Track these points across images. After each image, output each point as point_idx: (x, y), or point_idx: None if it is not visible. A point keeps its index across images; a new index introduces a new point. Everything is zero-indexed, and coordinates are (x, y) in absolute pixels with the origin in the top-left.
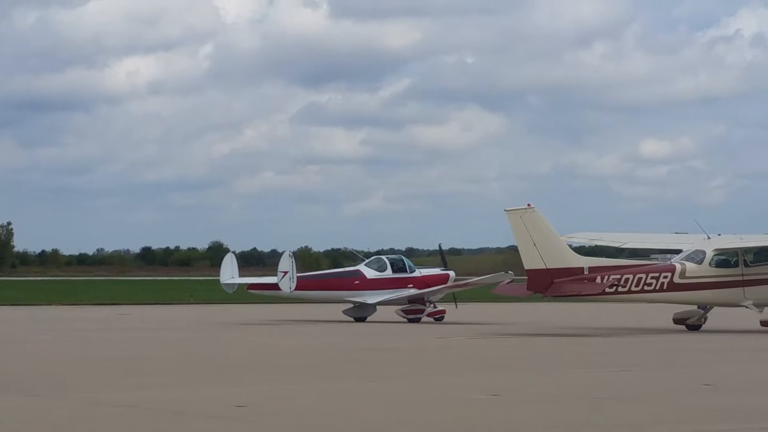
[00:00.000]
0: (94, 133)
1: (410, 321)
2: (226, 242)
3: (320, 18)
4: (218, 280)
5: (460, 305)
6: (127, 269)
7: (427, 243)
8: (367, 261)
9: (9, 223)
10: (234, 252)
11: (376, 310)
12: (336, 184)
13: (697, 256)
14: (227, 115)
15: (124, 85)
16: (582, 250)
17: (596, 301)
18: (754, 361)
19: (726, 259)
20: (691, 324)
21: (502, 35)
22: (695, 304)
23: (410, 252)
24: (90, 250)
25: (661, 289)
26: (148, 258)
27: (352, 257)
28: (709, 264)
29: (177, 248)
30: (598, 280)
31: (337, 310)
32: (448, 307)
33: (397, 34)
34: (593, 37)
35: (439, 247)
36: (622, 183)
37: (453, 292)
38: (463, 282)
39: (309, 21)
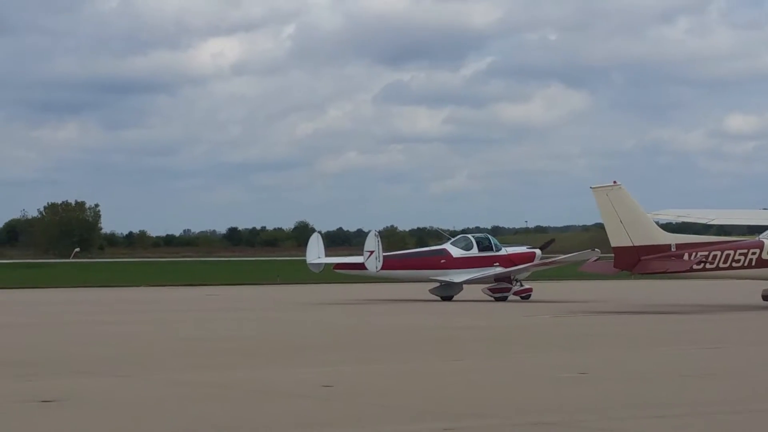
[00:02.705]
0: (178, 114)
1: (497, 299)
2: (312, 222)
3: None
4: (304, 260)
5: (545, 284)
6: (213, 250)
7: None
8: (452, 240)
9: (96, 205)
10: (320, 232)
11: (462, 288)
12: (420, 163)
13: None
14: (310, 95)
15: (207, 66)
16: (669, 227)
17: (684, 278)
18: None
19: None
20: None
21: (585, 11)
22: None
23: (496, 230)
24: (177, 232)
25: (750, 266)
26: (235, 238)
27: (438, 236)
28: None
29: (263, 228)
30: (686, 257)
31: (423, 290)
32: (536, 285)
33: (479, 12)
34: (677, 12)
35: (550, 241)
36: (708, 159)
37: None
38: (550, 260)
39: (391, 0)
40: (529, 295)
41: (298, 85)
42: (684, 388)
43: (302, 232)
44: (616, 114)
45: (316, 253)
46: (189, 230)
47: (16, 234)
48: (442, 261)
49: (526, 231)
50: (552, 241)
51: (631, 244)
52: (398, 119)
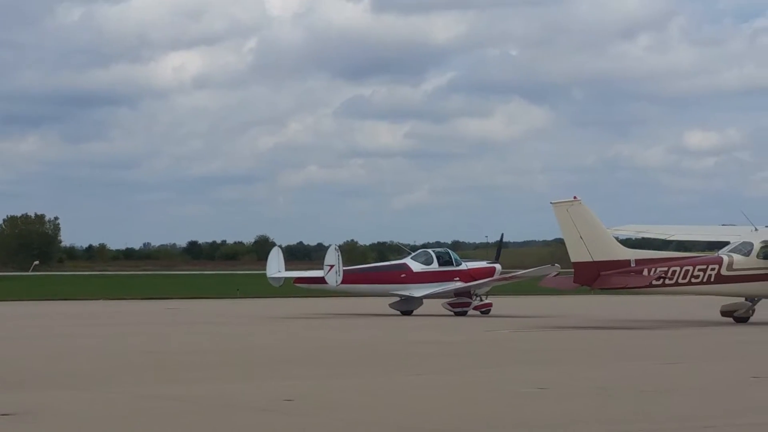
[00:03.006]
0: (139, 127)
1: (457, 314)
2: (272, 236)
3: (364, 11)
4: (265, 274)
5: (505, 299)
6: (173, 263)
7: (474, 236)
8: (413, 254)
9: (56, 218)
10: (280, 246)
11: (422, 303)
12: (381, 177)
13: (745, 248)
14: (272, 109)
15: (169, 79)
16: (628, 243)
17: (644, 294)
18: None
19: None
20: (739, 316)
21: (546, 28)
22: (743, 297)
23: (456, 245)
24: (137, 245)
25: (709, 281)
26: (195, 252)
27: (399, 250)
28: (757, 256)
29: (223, 242)
30: (645, 272)
31: (383, 304)
32: (496, 300)
33: (440, 27)
34: (637, 28)
35: (501, 237)
36: (669, 175)
37: (502, 283)
38: (510, 275)
39: (353, 14)
40: (489, 310)
41: (259, 99)
42: (643, 403)
43: (262, 246)
44: (577, 130)
45: (276, 267)
46: (149, 244)
47: None
48: (403, 275)
49: (486, 246)
50: (501, 238)
51: (590, 260)
52: (359, 134)
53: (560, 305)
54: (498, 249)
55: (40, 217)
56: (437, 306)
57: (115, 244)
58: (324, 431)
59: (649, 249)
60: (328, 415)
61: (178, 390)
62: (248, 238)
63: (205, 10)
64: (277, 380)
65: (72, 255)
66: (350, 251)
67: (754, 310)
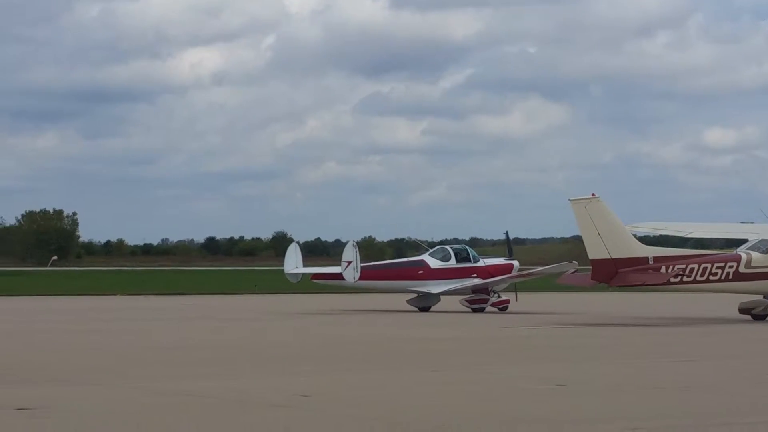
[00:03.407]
0: (158, 123)
1: (474, 311)
2: (290, 232)
3: (382, 8)
4: (282, 270)
5: (522, 296)
6: (191, 259)
7: (491, 233)
8: (431, 251)
9: (74, 214)
10: (298, 242)
11: (440, 299)
12: (399, 174)
13: (763, 246)
14: (290, 105)
15: (187, 75)
16: (646, 240)
17: (661, 291)
18: None
19: None
20: (757, 314)
21: (564, 25)
22: (761, 294)
23: (474, 242)
24: (155, 241)
25: (727, 279)
26: (213, 248)
27: (416, 247)
28: None
29: (241, 238)
30: (663, 269)
31: (401, 300)
32: (512, 297)
33: (458, 24)
34: (656, 26)
35: (506, 235)
36: (687, 172)
37: (514, 283)
38: (528, 272)
39: (371, 11)
40: (507, 307)
41: (277, 96)
42: (660, 400)
43: (280, 242)
44: (595, 127)
45: (293, 263)
46: (167, 239)
47: None
48: (420, 272)
49: (503, 243)
50: (508, 237)
51: (608, 257)
52: (377, 130)
53: (578, 302)
54: (508, 246)
55: (58, 213)
56: (455, 302)
57: (133, 239)
58: (340, 427)
59: (667, 246)
60: (344, 411)
61: (193, 385)
62: (266, 234)
63: (223, 6)
64: (293, 376)
65: (90, 250)
66: (368, 247)
67: None
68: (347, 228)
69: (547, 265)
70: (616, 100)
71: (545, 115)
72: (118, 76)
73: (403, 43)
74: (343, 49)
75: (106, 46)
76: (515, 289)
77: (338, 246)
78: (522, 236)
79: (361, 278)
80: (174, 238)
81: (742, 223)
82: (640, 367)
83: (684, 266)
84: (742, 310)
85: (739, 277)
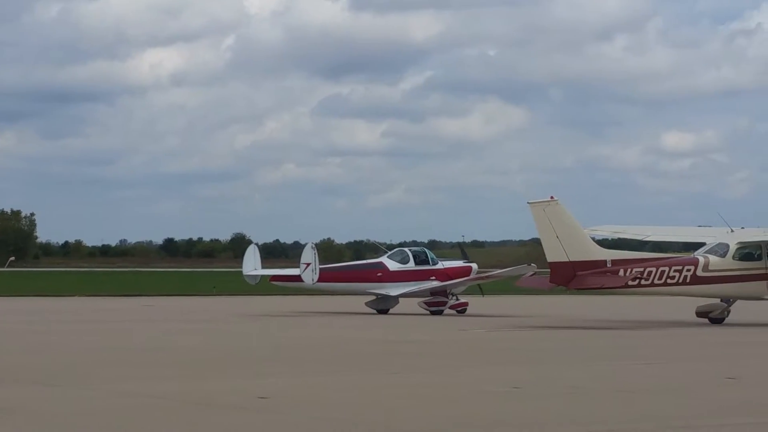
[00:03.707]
0: (117, 124)
1: (433, 313)
2: (249, 234)
3: (342, 10)
4: (241, 272)
5: (481, 299)
6: (149, 261)
7: (450, 235)
8: (389, 253)
9: (32, 214)
10: (256, 244)
11: (398, 302)
12: (358, 176)
13: (721, 249)
14: (249, 107)
15: (147, 76)
16: (605, 243)
17: (619, 294)
18: None
19: (749, 252)
20: (714, 317)
21: (524, 28)
22: (718, 298)
23: (433, 244)
24: (113, 242)
25: (684, 282)
26: (171, 249)
27: (375, 249)
28: (733, 257)
29: (200, 240)
30: (621, 272)
31: (359, 302)
32: (472, 299)
33: (418, 27)
34: (615, 30)
35: (461, 240)
36: (645, 176)
37: (479, 282)
38: (486, 274)
39: (331, 13)
40: (465, 309)
41: (237, 97)
42: (619, 403)
43: (239, 244)
44: (555, 130)
45: (252, 264)
46: (125, 240)
47: None
48: (379, 274)
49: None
50: (462, 243)
51: (567, 260)
52: (337, 132)
53: (536, 305)
54: (462, 250)
55: (16, 213)
56: (413, 305)
57: (92, 240)
58: (299, 429)
59: (625, 249)
60: (304, 413)
61: (153, 387)
62: (225, 236)
63: (183, 7)
64: (252, 378)
65: (48, 251)
66: (327, 249)
67: (729, 311)
68: (306, 230)
69: (506, 267)
70: (575, 104)
71: (505, 118)
72: (78, 77)
73: (363, 45)
74: (303, 50)
75: (65, 46)
76: (480, 287)
77: (297, 248)
78: (481, 239)
79: (319, 280)
80: (132, 239)
81: (700, 226)
82: (599, 369)
83: (642, 269)
84: (700, 314)
85: (696, 280)
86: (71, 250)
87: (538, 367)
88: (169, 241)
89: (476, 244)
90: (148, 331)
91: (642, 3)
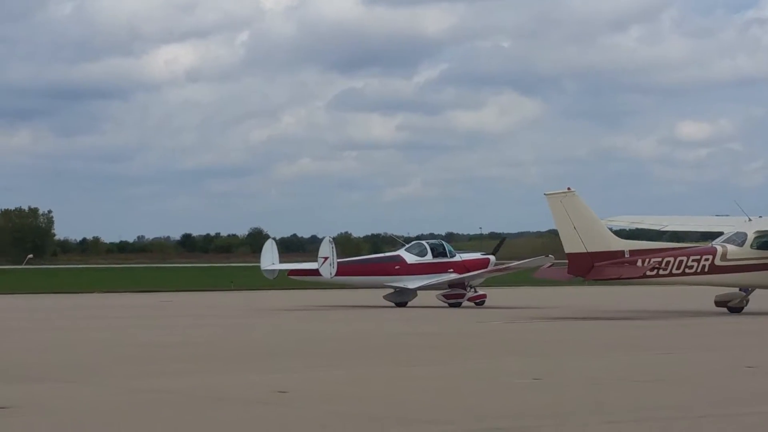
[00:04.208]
0: (132, 120)
1: (451, 306)
2: (266, 228)
3: (356, 4)
4: (259, 267)
5: (499, 290)
6: (167, 256)
7: (467, 227)
8: (407, 246)
9: (50, 211)
10: (274, 238)
11: (416, 295)
12: (374, 170)
13: (739, 239)
14: (265, 101)
15: (161, 72)
16: (622, 234)
17: (637, 285)
18: None
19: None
20: (733, 306)
21: (538, 19)
22: (737, 287)
23: (450, 237)
24: (130, 238)
25: (703, 272)
26: (189, 245)
27: (392, 242)
28: (751, 246)
29: (217, 235)
30: (639, 263)
31: (377, 296)
32: (490, 291)
33: (432, 20)
34: (629, 20)
35: (502, 240)
36: (661, 166)
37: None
38: (504, 266)
39: (345, 7)
40: (483, 302)
41: (252, 92)
42: (637, 393)
43: (256, 239)
44: (570, 121)
45: (270, 259)
46: (143, 237)
47: None
48: (397, 267)
49: (480, 237)
50: (503, 240)
51: (584, 251)
52: (352, 126)
53: (554, 296)
54: (497, 247)
55: (33, 211)
56: (432, 298)
57: (109, 237)
58: (317, 423)
59: (642, 240)
60: (322, 407)
61: (171, 383)
62: (242, 231)
63: (197, 2)
64: (270, 373)
65: (66, 248)
66: (344, 243)
67: (748, 301)
68: (323, 224)
69: (523, 259)
70: (589, 95)
71: (519, 110)
72: (92, 74)
73: (377, 39)
74: (317, 45)
75: (79, 43)
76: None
77: (314, 242)
78: (498, 230)
79: (337, 274)
80: (150, 235)
81: (717, 216)
82: (618, 360)
83: (660, 259)
84: (718, 303)
85: (714, 269)
86: (89, 247)
87: (557, 359)
88: (187, 237)
89: (494, 236)
90: (165, 327)
91: None
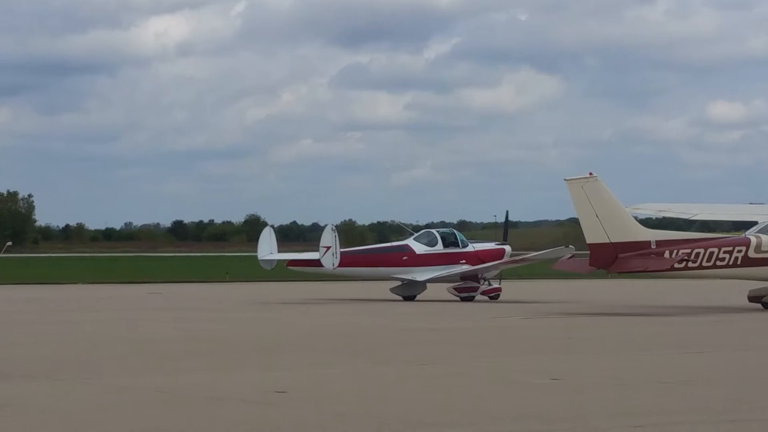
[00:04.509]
0: (119, 97)
1: (463, 300)
2: (264, 215)
3: None
4: (255, 256)
5: (515, 283)
6: (157, 245)
7: (481, 215)
8: (416, 235)
9: (30, 196)
10: (272, 226)
11: (426, 287)
12: (380, 152)
13: None
14: (262, 78)
15: (151, 46)
16: (648, 223)
17: (665, 278)
18: None
19: None
20: None
21: None
22: None
23: (462, 225)
24: (117, 225)
25: (735, 264)
26: (180, 233)
27: (400, 231)
28: None
29: (211, 222)
30: (667, 254)
31: (384, 288)
32: (505, 284)
33: None
34: None
35: (506, 216)
36: (691, 149)
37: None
38: (521, 257)
39: None
40: (498, 295)
41: (248, 67)
42: (662, 395)
43: (253, 226)
44: (592, 101)
45: (268, 248)
46: (130, 223)
47: None
48: (404, 258)
49: (495, 226)
50: (507, 219)
51: (607, 241)
52: (356, 105)
53: (575, 290)
54: (505, 229)
55: (12, 195)
56: (442, 291)
57: (94, 223)
58: (317, 425)
59: (670, 229)
60: (323, 407)
61: (162, 381)
62: (238, 218)
63: None
64: (268, 370)
65: (47, 235)
66: (348, 232)
67: None
68: (325, 211)
69: (541, 249)
70: (613, 72)
71: (538, 88)
72: (77, 47)
73: (384, 10)
74: (319, 16)
75: (63, 13)
76: (500, 276)
77: (315, 230)
78: (514, 219)
79: (340, 265)
80: (138, 222)
81: (751, 204)
82: (641, 359)
83: (689, 251)
84: (752, 298)
85: (748, 262)
86: (72, 234)
87: (577, 357)
88: (178, 224)
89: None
90: (156, 321)
91: None
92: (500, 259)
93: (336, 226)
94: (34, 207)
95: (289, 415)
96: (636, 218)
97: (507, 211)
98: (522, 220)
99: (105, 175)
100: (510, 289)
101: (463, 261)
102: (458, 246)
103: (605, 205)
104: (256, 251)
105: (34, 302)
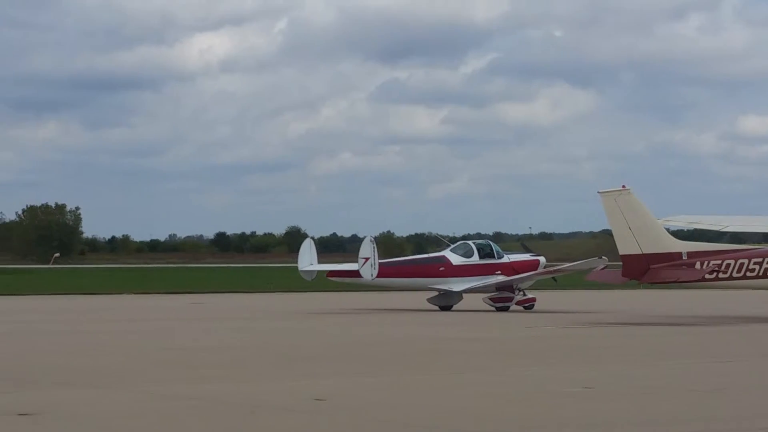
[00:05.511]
0: (164, 113)
1: (498, 309)
2: (304, 227)
3: None
4: (296, 267)
5: (549, 294)
6: (200, 256)
7: (516, 227)
8: (452, 246)
9: (77, 208)
10: (312, 237)
11: (462, 298)
12: (418, 165)
13: None
14: (303, 93)
15: (195, 62)
16: (680, 234)
17: (696, 288)
18: None
19: None
20: None
21: (592, 7)
22: None
23: (498, 237)
24: (162, 236)
25: (765, 275)
26: (223, 244)
27: (437, 242)
28: None
29: (253, 234)
30: (698, 265)
31: (421, 299)
32: (541, 294)
33: (480, 7)
34: (688, 8)
35: (529, 231)
36: (722, 162)
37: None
38: (555, 268)
39: None
40: (533, 305)
41: (289, 83)
42: (693, 404)
43: (294, 238)
44: (625, 115)
45: (308, 259)
46: (174, 235)
47: None
48: (441, 269)
49: (529, 237)
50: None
51: (640, 252)
52: (395, 119)
53: (608, 300)
54: (526, 249)
55: (60, 207)
56: (478, 301)
57: (139, 235)
58: None
59: (701, 241)
60: (361, 415)
61: (203, 389)
62: (279, 230)
63: None
64: (308, 379)
65: (94, 247)
66: (386, 243)
67: None
68: (364, 222)
69: (575, 261)
70: (646, 87)
71: (572, 103)
72: (123, 63)
73: (422, 27)
74: (359, 33)
75: (110, 31)
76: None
77: (355, 242)
78: (548, 230)
79: (379, 275)
80: (182, 233)
81: None
82: (672, 368)
83: (720, 262)
84: None
85: None
86: (118, 246)
87: (610, 366)
88: (221, 236)
89: (544, 236)
90: (198, 330)
91: None
92: (535, 270)
93: (374, 238)
94: (81, 219)
95: (330, 422)
96: (668, 230)
97: (530, 228)
98: (556, 231)
99: (150, 188)
100: (544, 299)
101: (499, 272)
102: (494, 257)
103: (638, 217)
104: (296, 262)
105: (79, 312)
